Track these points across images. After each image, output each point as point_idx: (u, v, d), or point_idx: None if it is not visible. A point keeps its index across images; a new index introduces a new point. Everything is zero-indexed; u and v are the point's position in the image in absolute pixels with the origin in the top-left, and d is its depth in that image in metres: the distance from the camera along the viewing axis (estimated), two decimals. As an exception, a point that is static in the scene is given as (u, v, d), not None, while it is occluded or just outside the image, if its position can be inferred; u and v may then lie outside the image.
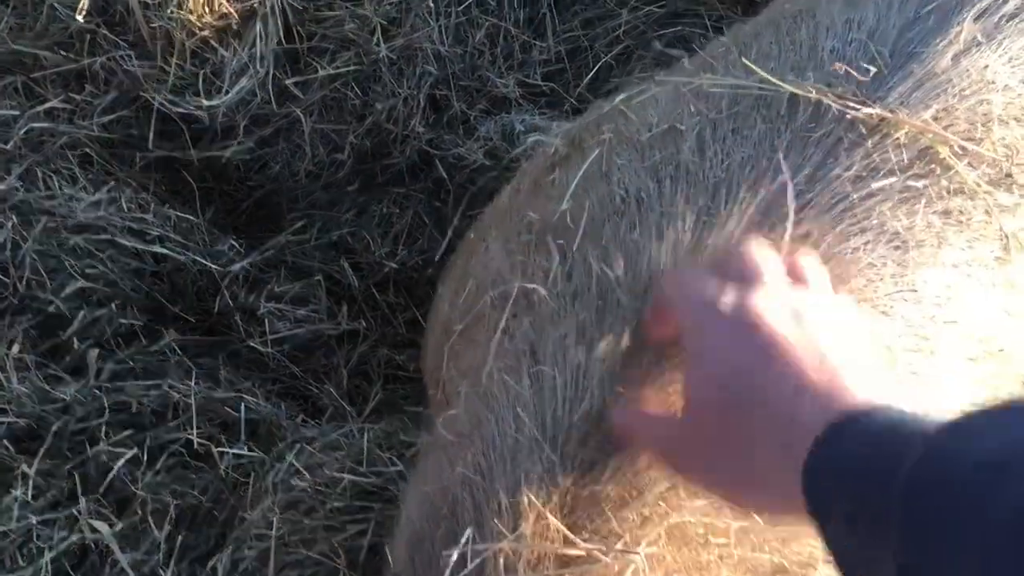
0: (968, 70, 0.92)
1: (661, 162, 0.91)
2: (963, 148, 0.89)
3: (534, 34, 1.74)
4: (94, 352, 1.50)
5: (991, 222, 0.90)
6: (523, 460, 0.79)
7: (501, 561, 0.78)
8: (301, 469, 1.39)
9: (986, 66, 0.91)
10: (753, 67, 0.95)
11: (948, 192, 0.88)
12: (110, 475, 1.39)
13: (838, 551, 0.62)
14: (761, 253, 0.75)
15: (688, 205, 0.86)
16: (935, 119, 0.90)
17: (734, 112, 0.92)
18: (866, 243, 0.84)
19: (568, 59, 1.75)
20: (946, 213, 0.88)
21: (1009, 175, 0.91)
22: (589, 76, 1.72)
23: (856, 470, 0.59)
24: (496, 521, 0.79)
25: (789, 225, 0.81)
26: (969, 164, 0.89)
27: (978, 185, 0.89)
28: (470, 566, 0.77)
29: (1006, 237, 0.92)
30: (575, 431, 0.80)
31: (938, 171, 0.88)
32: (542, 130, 1.65)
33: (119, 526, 1.35)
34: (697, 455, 0.72)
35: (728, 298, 0.70)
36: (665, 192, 0.88)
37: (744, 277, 0.73)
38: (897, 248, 0.85)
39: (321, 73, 1.61)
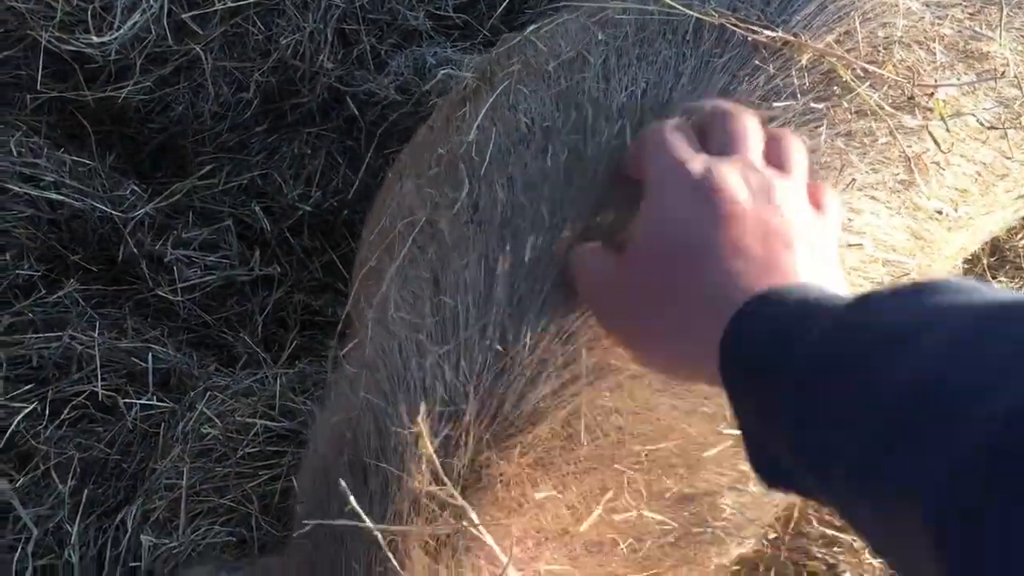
0: None
1: (567, 90, 0.89)
2: (865, 71, 0.88)
3: (445, -36, 1.69)
4: (-12, 304, 1.43)
5: (895, 144, 0.89)
6: (426, 386, 0.77)
7: (399, 489, 0.76)
8: (212, 417, 1.36)
9: None
10: None
11: (851, 114, 0.87)
12: (9, 430, 1.34)
13: (745, 427, 0.62)
14: (745, 124, 0.74)
15: (592, 132, 0.84)
16: (837, 42, 0.89)
17: (640, 38, 0.91)
18: None
19: (480, -11, 1.70)
20: (849, 135, 0.87)
21: (912, 98, 0.91)
22: (502, 7, 1.67)
23: (764, 343, 0.60)
24: (398, 448, 0.78)
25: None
26: (871, 87, 0.88)
27: (880, 107, 0.88)
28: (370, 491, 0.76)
29: (909, 159, 0.91)
30: (478, 357, 0.78)
31: (840, 93, 0.87)
32: (455, 63, 1.61)
33: (20, 481, 1.30)
34: (625, 300, 0.72)
35: (698, 162, 0.70)
36: (570, 119, 0.86)
37: (723, 144, 0.72)
38: None
39: (220, 6, 1.53)
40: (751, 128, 0.74)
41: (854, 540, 1.23)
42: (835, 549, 1.24)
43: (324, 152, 1.68)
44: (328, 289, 1.68)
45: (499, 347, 0.78)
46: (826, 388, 0.54)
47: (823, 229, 0.71)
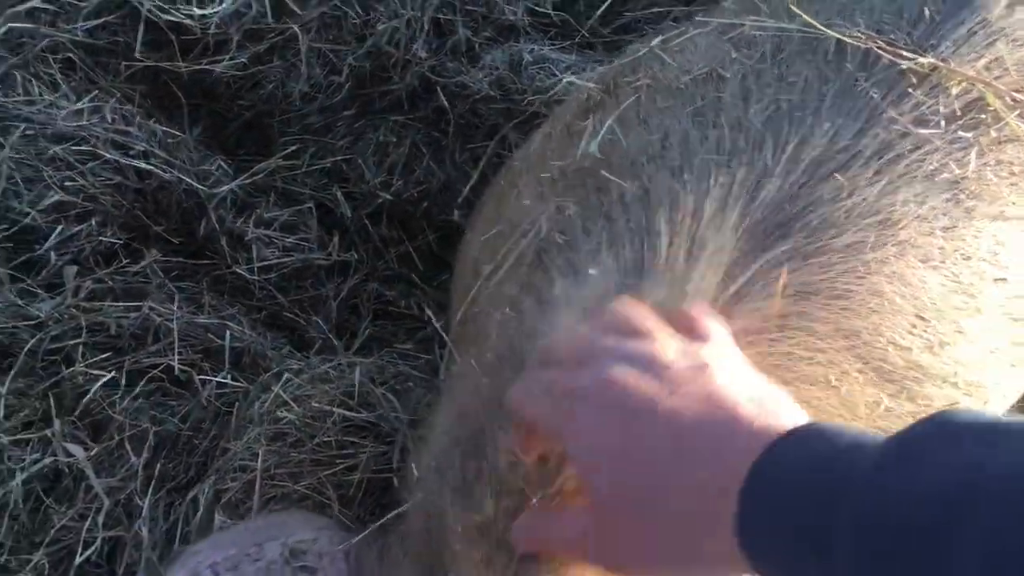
0: (1020, 19, 0.88)
1: (703, 108, 0.87)
2: (1014, 99, 0.85)
3: (546, -40, 1.66)
4: (72, 269, 1.42)
5: None
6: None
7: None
8: (288, 401, 1.34)
9: None
10: (798, 11, 0.90)
11: (999, 144, 0.85)
12: (86, 398, 1.33)
13: None
14: (576, 328, 0.70)
15: (734, 153, 0.81)
16: (986, 69, 0.86)
17: (779, 59, 0.88)
18: (916, 195, 0.80)
19: (580, -12, 1.68)
20: (998, 164, 0.84)
21: None
22: (603, 7, 1.65)
23: (789, 519, 0.54)
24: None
25: None
26: (1021, 115, 0.85)
27: None
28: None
29: None
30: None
31: (988, 122, 0.84)
32: (550, 61, 1.58)
33: (94, 450, 1.29)
34: (617, 551, 0.66)
35: (578, 378, 0.65)
36: (709, 138, 0.83)
37: (576, 354, 0.68)
38: (948, 200, 0.81)
39: (322, -12, 1.52)
40: (576, 329, 0.70)
41: None
42: None
43: (409, 141, 1.66)
44: (401, 280, 1.66)
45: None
46: (884, 565, 0.49)
47: (720, 351, 0.66)
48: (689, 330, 0.68)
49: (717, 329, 0.69)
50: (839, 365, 0.74)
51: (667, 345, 0.66)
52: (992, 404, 0.86)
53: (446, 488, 0.79)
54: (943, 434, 0.51)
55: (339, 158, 1.64)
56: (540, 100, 1.52)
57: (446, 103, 1.62)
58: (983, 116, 0.84)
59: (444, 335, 0.92)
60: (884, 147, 0.78)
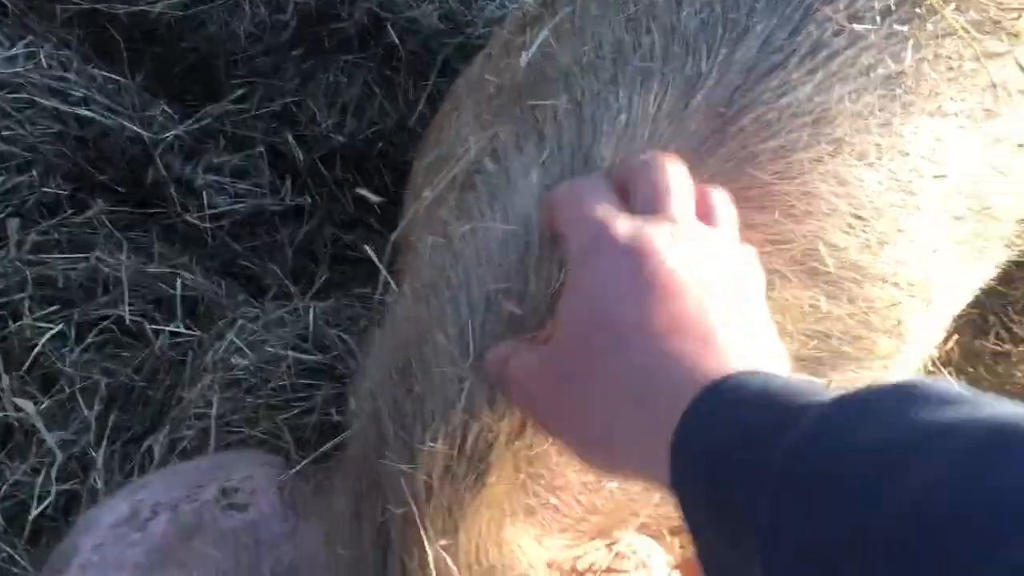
0: None
1: (636, 14, 0.83)
2: None
3: None
4: (14, 221, 1.39)
5: (980, 71, 0.84)
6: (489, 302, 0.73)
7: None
8: (242, 347, 1.31)
9: None
10: None
11: (936, 39, 0.82)
12: (35, 351, 1.30)
13: (702, 543, 0.54)
14: (671, 176, 0.66)
15: (667, 60, 0.78)
16: None
17: None
18: (851, 92, 0.78)
19: (530, -84, 1.62)
20: (936, 59, 0.82)
21: (997, 21, 0.85)
22: (553, -65, 1.60)
23: (727, 446, 0.52)
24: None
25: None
26: (956, 9, 0.82)
27: (966, 31, 0.82)
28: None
29: (995, 87, 0.85)
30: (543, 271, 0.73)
31: (924, 15, 0.81)
32: (502, -8, 1.54)
33: (44, 404, 1.27)
34: (556, 394, 0.64)
35: (623, 224, 0.62)
36: (643, 44, 0.80)
37: (649, 200, 0.65)
38: (884, 96, 0.79)
39: (261, -79, 1.46)
40: (677, 181, 0.66)
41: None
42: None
43: (361, 81, 1.62)
44: (359, 224, 1.63)
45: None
46: (810, 506, 0.46)
47: (754, 285, 0.65)
48: (710, 209, 0.68)
49: (732, 218, 0.69)
50: (775, 270, 0.72)
51: (731, 253, 0.65)
52: (938, 304, 0.84)
53: (383, 415, 0.77)
54: (896, 396, 0.49)
55: (289, 100, 1.60)
56: (491, 32, 1.48)
57: (396, 40, 1.58)
58: (918, 10, 0.81)
59: (381, 268, 0.89)
60: (818, 45, 0.76)
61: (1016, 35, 0.83)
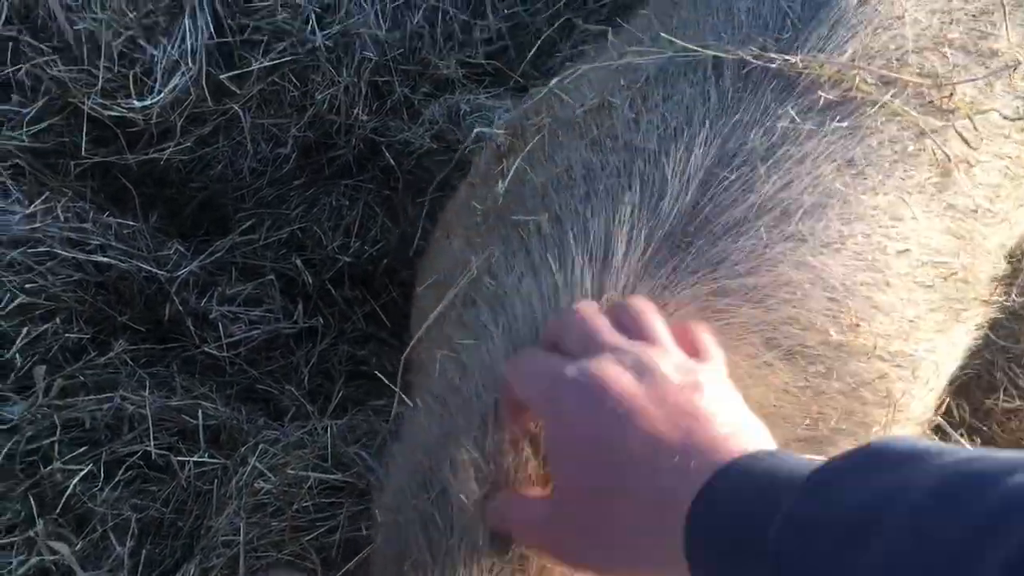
0: (876, 9, 0.92)
1: (599, 136, 0.90)
2: (884, 81, 0.89)
3: (473, 13, 1.71)
4: (41, 368, 1.44)
5: (924, 148, 0.90)
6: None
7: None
8: (265, 471, 1.35)
9: (893, 2, 0.92)
10: (672, 39, 0.95)
11: (879, 123, 0.88)
12: (66, 494, 1.34)
13: None
14: (587, 315, 0.72)
15: (632, 174, 0.85)
16: (852, 60, 0.89)
17: (662, 80, 0.92)
18: (809, 184, 0.83)
19: (510, 36, 1.72)
20: (880, 145, 0.88)
21: (931, 102, 0.91)
22: (532, 52, 1.69)
23: (729, 537, 0.57)
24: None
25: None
26: (893, 96, 0.88)
27: (905, 112, 0.88)
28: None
29: (938, 161, 0.91)
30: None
31: (865, 106, 0.88)
32: (488, 109, 1.62)
33: (79, 545, 1.30)
34: (570, 541, 0.68)
35: (568, 367, 0.67)
36: (609, 163, 0.87)
37: (577, 341, 0.70)
38: (841, 184, 0.84)
39: (256, 66, 1.56)
40: (592, 317, 0.72)
41: None
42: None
43: (362, 203, 1.69)
44: (371, 339, 1.69)
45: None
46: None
47: (715, 376, 0.69)
48: (692, 344, 0.71)
49: (716, 353, 0.72)
50: (759, 358, 0.76)
51: (669, 356, 0.68)
52: (924, 372, 0.88)
53: (404, 523, 0.80)
54: (864, 462, 0.53)
55: (295, 227, 1.67)
56: (478, 147, 1.55)
57: (392, 161, 1.66)
58: (859, 103, 0.87)
59: (393, 386, 0.94)
60: (772, 146, 0.82)
61: (951, 111, 0.89)
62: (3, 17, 1.51)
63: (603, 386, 0.65)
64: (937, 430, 1.42)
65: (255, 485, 1.34)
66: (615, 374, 0.66)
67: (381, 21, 1.65)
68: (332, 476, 1.32)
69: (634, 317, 0.72)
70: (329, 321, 1.65)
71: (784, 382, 0.78)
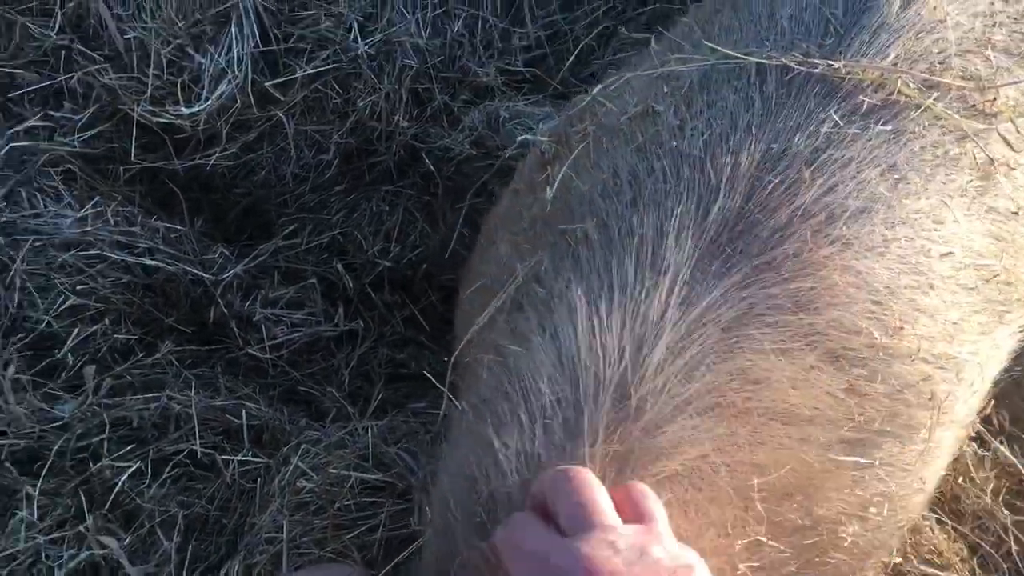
0: (919, 13, 0.93)
1: (644, 143, 0.92)
2: (927, 85, 0.90)
3: (512, 21, 1.73)
4: (91, 368, 1.48)
5: (966, 152, 0.90)
6: (547, 418, 0.78)
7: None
8: (307, 470, 1.37)
9: (935, 7, 0.92)
10: (715, 46, 0.96)
11: (921, 128, 0.89)
12: (115, 490, 1.37)
13: None
14: (585, 490, 0.72)
15: (678, 180, 0.86)
16: (895, 64, 0.90)
17: (705, 86, 0.93)
18: (854, 189, 0.84)
19: (548, 43, 1.74)
20: (923, 149, 0.88)
21: (974, 105, 0.92)
22: (570, 59, 1.71)
23: None
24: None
25: None
26: (936, 99, 0.89)
27: (948, 116, 0.89)
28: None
29: (979, 164, 0.92)
30: (601, 398, 0.79)
31: (908, 110, 0.88)
32: (527, 116, 1.64)
33: (127, 540, 1.33)
34: None
35: (557, 553, 0.68)
36: (655, 169, 0.88)
37: (573, 518, 0.70)
38: (885, 188, 0.85)
39: (300, 73, 1.59)
40: (591, 493, 0.72)
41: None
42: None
43: (402, 208, 1.72)
44: (410, 343, 1.71)
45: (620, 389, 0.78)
46: None
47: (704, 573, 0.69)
48: (635, 506, 0.72)
49: (660, 513, 0.72)
50: (804, 361, 0.77)
51: (660, 540, 0.69)
52: (968, 374, 0.88)
53: (455, 523, 0.82)
54: None
55: (336, 232, 1.70)
56: (519, 153, 1.57)
57: (432, 168, 1.69)
58: (902, 107, 0.88)
59: (442, 387, 0.95)
60: (816, 150, 0.83)
61: (994, 114, 0.90)
62: (56, 27, 1.56)
63: (592, 572, 0.66)
64: (977, 438, 1.41)
65: (297, 484, 1.36)
66: (609, 562, 0.66)
67: (422, 29, 1.68)
68: (373, 476, 1.34)
69: (623, 497, 0.73)
70: (369, 324, 1.68)
71: (828, 385, 0.79)
